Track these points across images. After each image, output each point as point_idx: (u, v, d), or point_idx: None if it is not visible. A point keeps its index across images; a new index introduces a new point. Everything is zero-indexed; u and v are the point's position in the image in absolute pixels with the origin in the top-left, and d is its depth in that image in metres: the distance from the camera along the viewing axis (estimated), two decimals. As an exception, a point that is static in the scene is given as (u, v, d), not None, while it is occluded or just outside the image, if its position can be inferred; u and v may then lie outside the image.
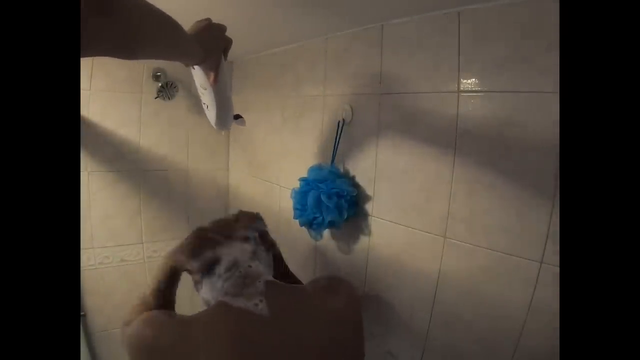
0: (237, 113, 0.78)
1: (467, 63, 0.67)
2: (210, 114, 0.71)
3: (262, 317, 0.61)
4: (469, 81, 0.67)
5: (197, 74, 0.64)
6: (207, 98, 0.68)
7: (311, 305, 0.68)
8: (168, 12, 0.44)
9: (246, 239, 0.76)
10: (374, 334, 0.87)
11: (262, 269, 0.73)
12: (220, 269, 0.71)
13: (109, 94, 1.28)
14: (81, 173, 1.26)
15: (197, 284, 0.74)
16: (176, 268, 0.75)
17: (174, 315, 0.68)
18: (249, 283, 0.68)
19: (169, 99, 1.36)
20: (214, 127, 0.75)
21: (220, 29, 0.59)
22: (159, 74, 1.32)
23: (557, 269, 0.57)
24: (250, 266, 0.72)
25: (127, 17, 0.37)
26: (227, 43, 0.63)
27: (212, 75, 0.61)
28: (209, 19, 0.57)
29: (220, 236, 0.76)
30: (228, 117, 0.74)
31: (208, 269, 0.72)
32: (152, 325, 0.63)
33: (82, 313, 1.31)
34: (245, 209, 0.86)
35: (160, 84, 1.32)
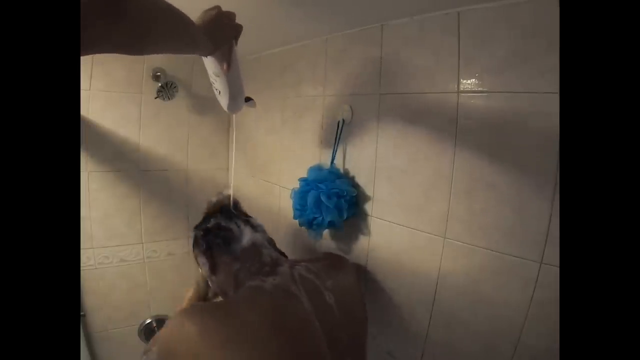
0: (248, 95, 0.79)
1: (467, 63, 0.67)
2: (223, 99, 0.72)
3: (307, 305, 0.63)
4: (469, 81, 0.67)
5: (209, 63, 0.64)
6: (219, 85, 0.69)
7: (330, 285, 0.71)
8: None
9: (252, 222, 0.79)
10: (374, 334, 0.87)
11: (274, 250, 0.76)
12: (237, 247, 0.72)
13: (108, 94, 1.28)
14: (81, 173, 1.26)
15: (213, 265, 0.72)
16: None
17: (217, 304, 0.63)
18: (270, 263, 0.71)
19: (168, 99, 1.36)
20: (226, 110, 0.76)
21: (229, 17, 0.59)
22: (158, 74, 1.32)
23: (557, 269, 0.57)
24: (265, 247, 0.75)
25: (137, 18, 0.37)
26: (237, 31, 0.62)
27: (224, 64, 0.62)
28: (217, 7, 0.56)
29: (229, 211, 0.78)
30: (239, 100, 0.75)
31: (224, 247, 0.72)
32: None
33: (82, 313, 1.31)
34: (245, 209, 0.86)
35: (160, 84, 1.32)
